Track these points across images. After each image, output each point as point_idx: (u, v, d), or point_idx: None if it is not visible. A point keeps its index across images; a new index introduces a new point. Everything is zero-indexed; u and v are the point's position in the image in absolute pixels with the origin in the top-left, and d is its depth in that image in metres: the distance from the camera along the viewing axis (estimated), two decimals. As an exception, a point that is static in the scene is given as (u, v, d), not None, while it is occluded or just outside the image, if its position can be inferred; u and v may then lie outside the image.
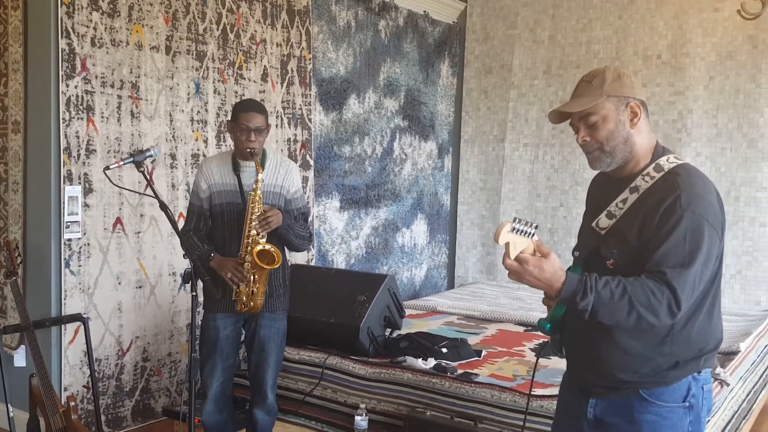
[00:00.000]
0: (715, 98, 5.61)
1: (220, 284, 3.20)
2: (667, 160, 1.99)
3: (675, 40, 5.73)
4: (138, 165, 2.81)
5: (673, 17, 5.74)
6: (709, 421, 3.32)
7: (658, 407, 1.96)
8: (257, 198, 3.14)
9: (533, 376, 2.42)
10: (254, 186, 3.14)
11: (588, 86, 2.01)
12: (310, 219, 5.08)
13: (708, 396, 2.04)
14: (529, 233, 1.82)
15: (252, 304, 3.17)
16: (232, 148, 3.34)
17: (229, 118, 3.42)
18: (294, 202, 3.35)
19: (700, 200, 1.88)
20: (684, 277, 1.83)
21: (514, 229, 1.79)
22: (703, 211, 1.87)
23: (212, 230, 3.31)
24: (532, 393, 3.28)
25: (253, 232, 3.13)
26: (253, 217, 3.12)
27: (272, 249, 3.16)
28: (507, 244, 1.80)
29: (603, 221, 2.03)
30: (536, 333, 4.60)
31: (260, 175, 3.14)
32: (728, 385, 3.69)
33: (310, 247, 5.14)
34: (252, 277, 3.14)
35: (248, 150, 3.16)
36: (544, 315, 2.07)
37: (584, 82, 2.03)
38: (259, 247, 3.12)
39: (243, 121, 3.16)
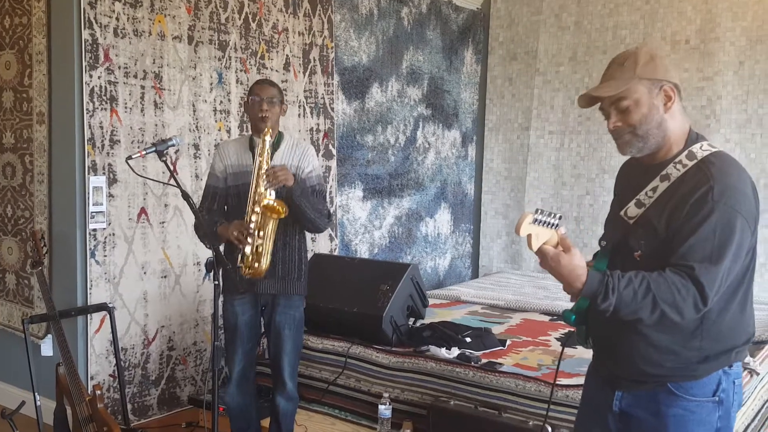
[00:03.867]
0: (744, 83, 5.50)
1: (235, 264, 3.14)
2: (701, 148, 1.91)
3: (704, 25, 5.62)
4: (160, 154, 2.81)
5: (702, 1, 5.62)
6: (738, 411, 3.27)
7: (686, 401, 1.90)
8: (266, 152, 3.07)
9: (558, 366, 2.39)
10: (261, 143, 3.09)
11: (620, 68, 1.92)
12: (332, 208, 5.08)
13: (739, 390, 1.98)
14: (553, 224, 1.77)
15: (257, 265, 3.06)
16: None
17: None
18: (308, 180, 3.28)
19: (733, 192, 1.81)
20: (712, 272, 1.76)
21: (536, 220, 1.73)
22: (736, 203, 1.80)
23: (230, 212, 3.27)
24: (557, 382, 3.25)
25: (261, 189, 3.05)
26: (261, 172, 3.07)
27: (277, 203, 3.04)
28: (528, 236, 1.75)
29: (632, 210, 1.96)
30: (561, 322, 4.56)
31: (267, 137, 3.08)
32: (758, 374, 3.63)
33: (331, 231, 5.13)
34: (257, 233, 3.06)
35: (261, 117, 3.16)
36: (570, 305, 2.01)
37: (615, 64, 1.95)
38: (265, 201, 3.03)
39: (256, 91, 3.22)
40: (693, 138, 1.95)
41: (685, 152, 1.91)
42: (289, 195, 3.08)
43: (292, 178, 3.09)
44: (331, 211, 3.44)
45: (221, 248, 3.12)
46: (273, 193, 3.07)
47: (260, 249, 3.07)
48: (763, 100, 5.44)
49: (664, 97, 1.91)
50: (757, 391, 3.64)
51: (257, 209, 3.06)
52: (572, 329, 2.15)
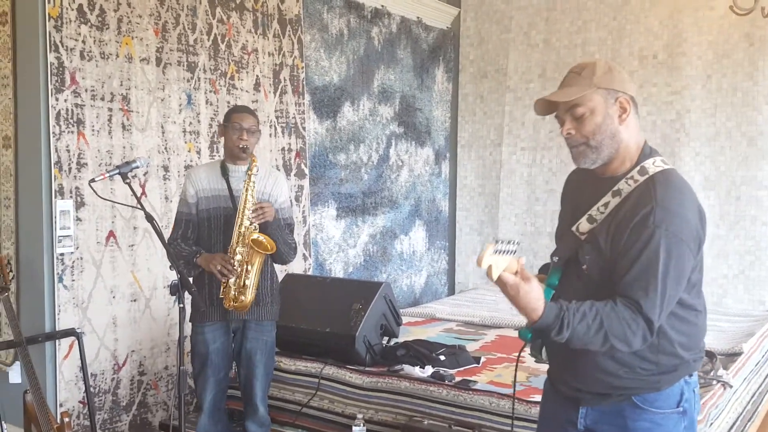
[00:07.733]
0: (712, 97, 5.57)
1: (206, 290, 3.18)
2: (653, 164, 1.91)
3: (671, 40, 5.70)
4: (124, 177, 2.80)
5: (668, 17, 5.70)
6: (712, 424, 3.28)
7: (652, 414, 1.91)
8: (251, 186, 3.12)
9: (515, 377, 2.43)
10: (248, 175, 3.13)
11: (577, 77, 1.93)
12: (305, 228, 5.07)
13: (698, 399, 2.02)
14: (511, 251, 1.77)
15: (243, 299, 3.12)
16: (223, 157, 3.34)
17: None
18: (281, 212, 3.32)
19: (674, 217, 1.80)
20: (657, 305, 1.78)
21: (497, 251, 1.74)
22: (677, 230, 1.80)
23: (199, 236, 3.28)
24: (530, 399, 3.25)
25: (246, 222, 3.10)
26: (247, 206, 3.10)
27: (265, 239, 3.13)
28: (489, 267, 1.75)
29: (584, 225, 1.96)
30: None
31: (255, 167, 3.13)
32: (731, 387, 3.64)
33: (304, 250, 5.12)
34: (244, 267, 3.11)
35: (241, 147, 3.17)
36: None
37: (573, 72, 1.95)
38: (254, 236, 3.10)
39: (236, 120, 3.21)
40: (647, 153, 1.95)
41: (638, 167, 1.91)
42: (266, 229, 3.15)
43: (274, 212, 3.17)
44: (297, 243, 3.46)
45: (191, 278, 3.14)
46: (257, 227, 3.13)
47: (246, 282, 3.12)
48: (731, 113, 5.51)
49: (619, 108, 1.91)
50: (731, 404, 3.65)
51: (242, 242, 3.11)
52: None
